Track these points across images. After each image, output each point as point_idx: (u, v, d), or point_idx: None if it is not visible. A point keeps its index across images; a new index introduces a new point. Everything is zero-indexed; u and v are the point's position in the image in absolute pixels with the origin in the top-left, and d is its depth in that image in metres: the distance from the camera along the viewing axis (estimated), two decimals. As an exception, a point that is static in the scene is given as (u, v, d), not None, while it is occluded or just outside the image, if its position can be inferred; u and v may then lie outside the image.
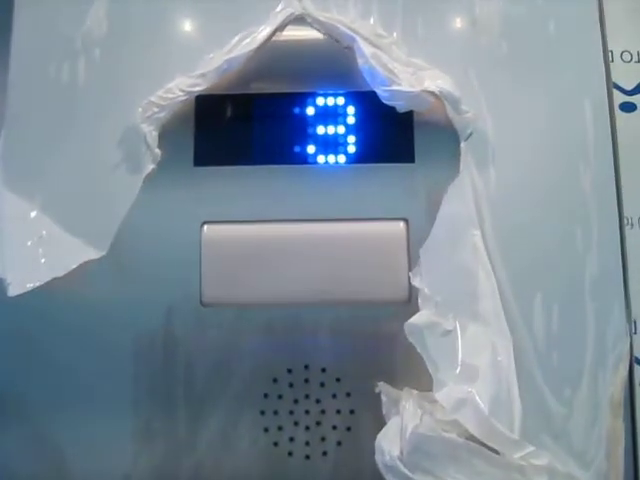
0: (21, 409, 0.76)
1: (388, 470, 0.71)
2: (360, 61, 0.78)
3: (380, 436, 0.72)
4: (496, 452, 0.70)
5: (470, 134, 0.78)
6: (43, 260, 0.76)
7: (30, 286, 0.74)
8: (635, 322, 0.78)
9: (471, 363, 0.72)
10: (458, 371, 0.72)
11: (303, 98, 0.80)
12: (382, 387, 0.75)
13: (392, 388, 0.75)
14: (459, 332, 0.73)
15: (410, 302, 0.76)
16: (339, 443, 0.76)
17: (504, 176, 0.78)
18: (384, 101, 0.78)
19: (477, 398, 0.70)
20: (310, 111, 0.80)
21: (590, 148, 0.78)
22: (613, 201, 0.78)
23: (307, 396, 0.77)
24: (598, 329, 0.76)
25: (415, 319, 0.73)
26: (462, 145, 0.78)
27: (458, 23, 0.81)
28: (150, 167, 0.78)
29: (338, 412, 0.76)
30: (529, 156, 0.79)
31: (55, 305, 0.76)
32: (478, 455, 0.69)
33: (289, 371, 0.77)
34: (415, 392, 0.74)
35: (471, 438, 0.70)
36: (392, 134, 0.79)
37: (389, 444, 0.71)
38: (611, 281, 0.77)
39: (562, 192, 0.78)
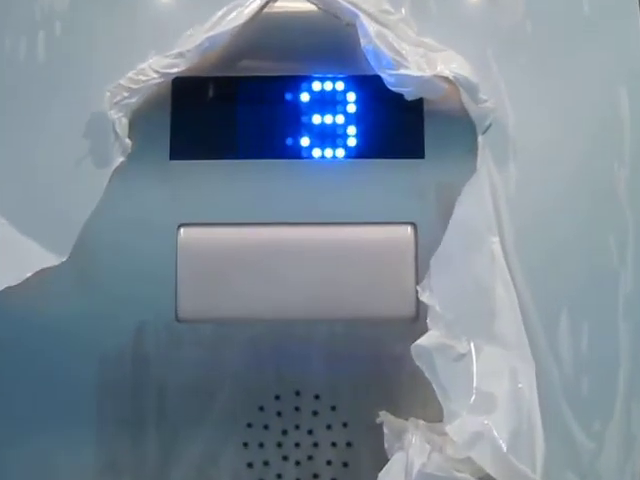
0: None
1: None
2: (363, 41, 0.74)
3: (382, 475, 0.69)
4: (516, 495, 0.67)
5: (489, 126, 0.75)
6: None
7: (-13, 293, 0.71)
8: (674, 345, 0.75)
9: (487, 391, 0.69)
10: (472, 400, 0.69)
11: (296, 82, 0.77)
12: (384, 417, 0.72)
13: (396, 418, 0.72)
14: (474, 355, 0.70)
15: (418, 320, 0.73)
16: (334, 481, 0.74)
17: (527, 175, 0.75)
18: (390, 87, 0.74)
19: (494, 432, 0.67)
20: (304, 97, 0.77)
21: (626, 144, 0.76)
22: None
23: (297, 427, 0.74)
24: (632, 353, 0.74)
25: (423, 340, 0.70)
26: (479, 139, 0.75)
27: (476, -3, 0.79)
28: (119, 160, 0.75)
29: (333, 445, 0.74)
30: (555, 152, 0.76)
31: (8, 320, 0.74)
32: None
33: (277, 398, 0.74)
34: (422, 423, 0.71)
35: (487, 478, 0.67)
36: (399, 125, 0.76)
37: (393, 484, 0.68)
38: (648, 301, 0.74)
39: (593, 195, 0.75)
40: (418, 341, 0.70)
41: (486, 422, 0.68)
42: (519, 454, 0.67)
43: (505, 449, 0.67)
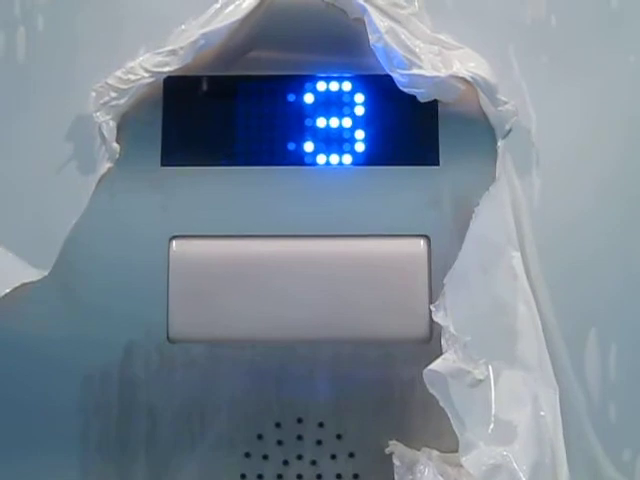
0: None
1: None
2: (372, 37, 0.73)
3: (391, 510, 0.68)
4: (538, 534, 0.66)
5: (509, 130, 0.74)
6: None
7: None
8: None
9: (507, 419, 0.69)
10: (490, 429, 0.68)
11: (300, 82, 0.76)
12: (394, 447, 0.72)
13: (407, 448, 0.71)
14: (492, 381, 0.70)
15: (431, 342, 0.73)
16: (339, 517, 0.72)
17: (551, 183, 0.75)
18: (402, 88, 0.73)
19: (514, 464, 0.67)
20: (308, 99, 0.76)
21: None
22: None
23: (300, 457, 0.73)
24: None
25: (437, 365, 0.69)
26: (499, 144, 0.74)
27: (496, -10, 0.77)
28: (106, 166, 0.74)
29: (339, 477, 0.73)
30: (582, 158, 0.75)
31: None
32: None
33: (277, 425, 0.73)
34: (436, 454, 0.71)
35: (505, 515, 0.66)
36: (411, 129, 0.76)
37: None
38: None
39: (625, 205, 0.75)
40: (431, 366, 0.69)
41: (505, 453, 0.67)
42: (542, 490, 0.66)
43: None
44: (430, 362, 0.69)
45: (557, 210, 0.74)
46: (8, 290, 0.71)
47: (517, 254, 0.72)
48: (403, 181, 0.75)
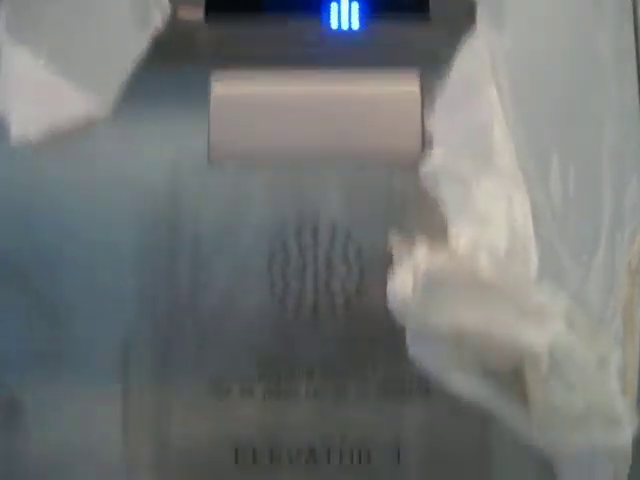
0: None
1: (402, 314, 0.81)
2: None
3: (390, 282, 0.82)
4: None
5: None
6: (46, 108, 0.86)
7: (33, 130, 0.84)
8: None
9: (487, 210, 0.82)
10: (473, 217, 0.82)
11: None
12: (392, 238, 0.84)
13: (404, 239, 0.84)
14: (474, 180, 0.84)
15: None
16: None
17: (520, 36, 0.89)
18: None
19: (493, 241, 0.81)
20: None
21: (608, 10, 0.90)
22: (633, 70, 0.89)
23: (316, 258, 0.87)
24: (615, 199, 0.86)
25: (430, 161, 0.84)
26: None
27: None
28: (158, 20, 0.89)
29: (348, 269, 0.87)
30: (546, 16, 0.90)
31: (50, 164, 0.86)
32: (492, 293, 0.80)
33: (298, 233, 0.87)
34: (428, 241, 0.83)
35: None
36: None
37: (401, 285, 0.81)
38: (630, 153, 0.88)
39: (579, 55, 0.89)
40: (425, 164, 0.84)
41: (485, 233, 0.81)
42: (515, 262, 0.80)
43: (503, 254, 0.80)
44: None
45: (526, 57, 0.86)
46: (75, 117, 0.85)
47: (493, 89, 0.87)
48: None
